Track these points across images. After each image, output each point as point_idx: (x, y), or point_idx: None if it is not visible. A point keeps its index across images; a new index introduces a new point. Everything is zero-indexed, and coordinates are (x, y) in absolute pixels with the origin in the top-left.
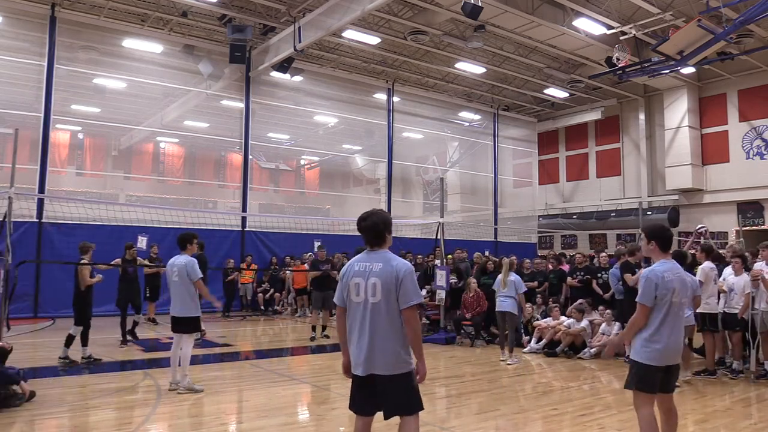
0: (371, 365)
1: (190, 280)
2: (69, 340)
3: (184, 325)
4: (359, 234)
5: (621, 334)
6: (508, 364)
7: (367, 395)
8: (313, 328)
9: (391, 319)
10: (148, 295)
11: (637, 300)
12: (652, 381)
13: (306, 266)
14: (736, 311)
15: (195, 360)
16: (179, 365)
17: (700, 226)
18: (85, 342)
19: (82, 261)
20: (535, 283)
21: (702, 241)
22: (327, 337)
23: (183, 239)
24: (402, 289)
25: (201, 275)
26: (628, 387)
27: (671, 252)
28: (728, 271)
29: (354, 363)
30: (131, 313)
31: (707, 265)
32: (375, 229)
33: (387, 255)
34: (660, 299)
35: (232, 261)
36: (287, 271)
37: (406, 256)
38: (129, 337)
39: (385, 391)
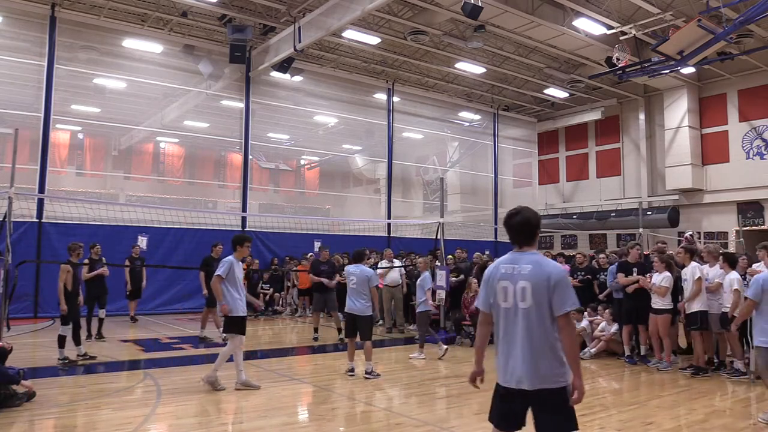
0: (522, 377)
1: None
2: (61, 341)
3: (226, 324)
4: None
5: None
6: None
7: (510, 409)
8: (315, 330)
9: (543, 326)
10: (128, 293)
11: None
12: None
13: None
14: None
15: (195, 360)
16: (235, 364)
17: (688, 232)
18: (77, 341)
19: (69, 261)
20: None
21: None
22: (342, 340)
23: (233, 242)
24: (556, 294)
25: (221, 275)
26: None
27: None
28: (715, 271)
29: (502, 373)
30: (95, 314)
31: (694, 265)
32: (527, 227)
33: (537, 257)
34: None
35: (257, 261)
36: (291, 271)
37: (408, 256)
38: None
39: (535, 407)
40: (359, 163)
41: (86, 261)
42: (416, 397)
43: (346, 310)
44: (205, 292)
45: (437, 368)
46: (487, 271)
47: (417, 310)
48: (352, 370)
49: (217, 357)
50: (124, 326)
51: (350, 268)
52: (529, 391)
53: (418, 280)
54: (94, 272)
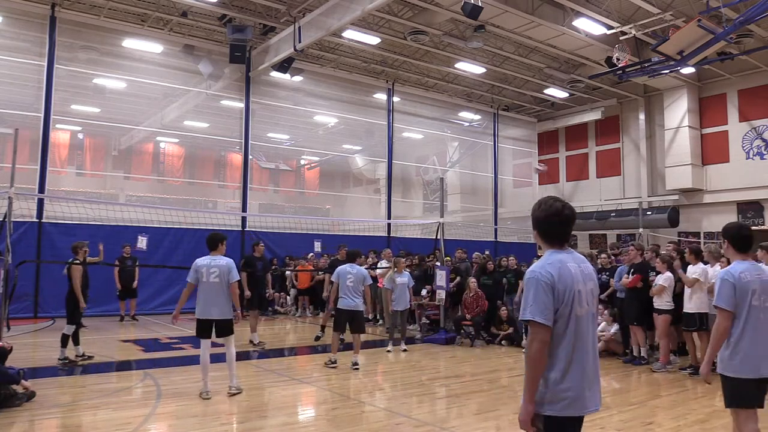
0: (597, 399)
1: (228, 282)
2: (64, 340)
3: (225, 327)
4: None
5: (708, 350)
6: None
7: None
8: (322, 328)
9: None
10: (118, 292)
11: (714, 304)
12: (748, 394)
13: (311, 266)
14: None
15: (195, 360)
16: (206, 367)
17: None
18: (76, 341)
19: (75, 260)
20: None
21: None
22: (343, 340)
23: (215, 239)
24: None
25: (239, 278)
26: (728, 406)
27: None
28: (714, 271)
29: (581, 399)
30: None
31: (701, 267)
32: (575, 221)
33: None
34: (739, 302)
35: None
36: (288, 271)
37: (407, 257)
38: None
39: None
40: (359, 163)
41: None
42: (416, 397)
43: (344, 306)
44: (248, 293)
45: (437, 368)
46: (546, 272)
47: (398, 309)
48: (355, 363)
49: (234, 361)
50: (122, 326)
51: (346, 267)
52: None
53: (402, 279)
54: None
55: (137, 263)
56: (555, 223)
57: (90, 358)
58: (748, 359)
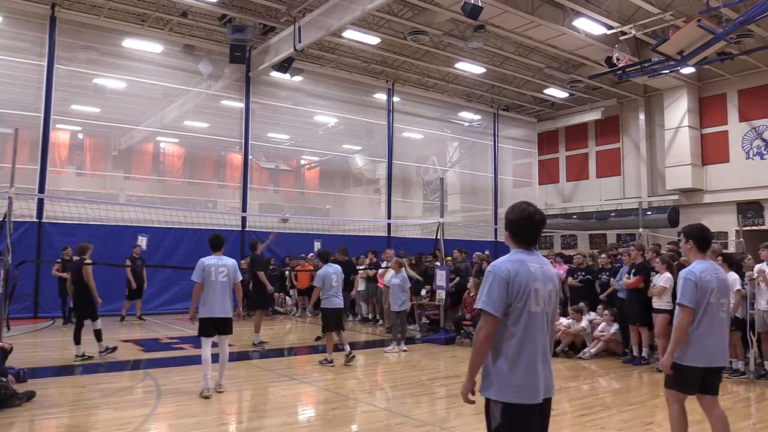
0: (545, 388)
1: (234, 281)
2: (98, 335)
3: (228, 326)
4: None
5: (671, 345)
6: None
7: (537, 425)
8: (323, 328)
9: (551, 331)
10: (128, 292)
11: (678, 302)
12: (690, 382)
13: (311, 266)
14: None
15: (195, 360)
16: (208, 365)
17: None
18: (77, 340)
19: (85, 260)
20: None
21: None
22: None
23: (221, 240)
24: (558, 296)
25: (242, 278)
26: (667, 386)
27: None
28: None
29: (529, 388)
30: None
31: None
32: (544, 225)
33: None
34: (699, 299)
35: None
36: (287, 271)
37: (406, 257)
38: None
39: (542, 417)
40: (359, 163)
41: (59, 261)
42: (416, 397)
43: (334, 305)
44: (271, 288)
45: (437, 368)
46: (505, 268)
47: (396, 310)
48: (349, 353)
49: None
50: (123, 326)
51: (327, 269)
52: (545, 401)
53: (395, 280)
54: (64, 273)
55: (145, 263)
56: (526, 226)
57: (90, 358)
58: (701, 350)
